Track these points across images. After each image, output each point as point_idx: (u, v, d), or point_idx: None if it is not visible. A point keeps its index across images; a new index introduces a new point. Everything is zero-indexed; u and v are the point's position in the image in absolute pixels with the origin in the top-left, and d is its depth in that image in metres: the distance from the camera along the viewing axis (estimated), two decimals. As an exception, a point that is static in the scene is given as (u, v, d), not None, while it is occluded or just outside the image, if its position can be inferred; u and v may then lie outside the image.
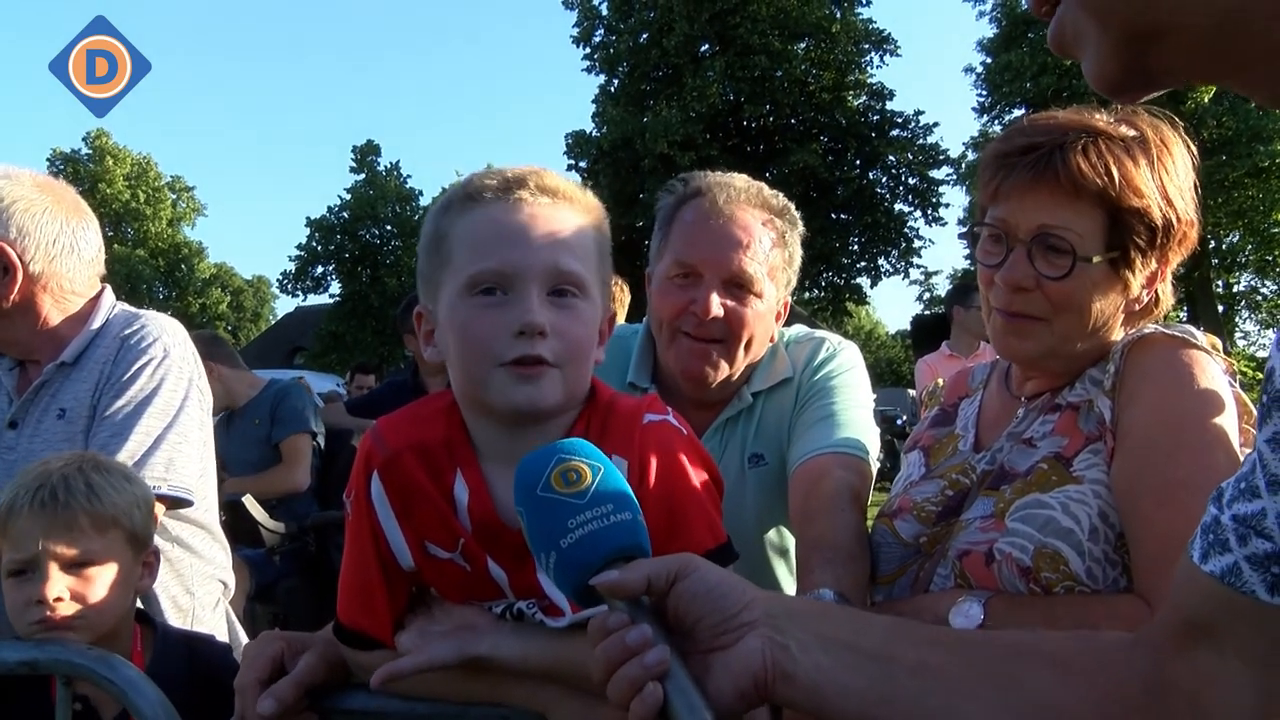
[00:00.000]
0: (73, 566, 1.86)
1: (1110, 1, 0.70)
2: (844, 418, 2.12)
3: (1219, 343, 1.67)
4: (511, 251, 1.34)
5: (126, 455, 2.34)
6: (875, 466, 2.09)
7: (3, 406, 2.51)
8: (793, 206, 2.28)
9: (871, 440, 2.12)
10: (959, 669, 1.06)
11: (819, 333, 2.36)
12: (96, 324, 2.52)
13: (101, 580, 1.89)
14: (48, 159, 51.16)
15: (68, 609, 1.84)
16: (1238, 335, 39.53)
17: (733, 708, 1.08)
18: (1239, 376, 1.66)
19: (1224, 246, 35.25)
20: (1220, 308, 35.63)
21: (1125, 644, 1.06)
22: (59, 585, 1.83)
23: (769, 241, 2.16)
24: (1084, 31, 0.73)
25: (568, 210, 1.40)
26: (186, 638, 2.13)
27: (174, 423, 2.46)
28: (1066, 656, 1.06)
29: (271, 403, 5.27)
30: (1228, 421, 1.55)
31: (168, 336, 2.55)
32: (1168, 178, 1.64)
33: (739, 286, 2.13)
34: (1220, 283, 36.67)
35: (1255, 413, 1.64)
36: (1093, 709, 1.02)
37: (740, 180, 2.22)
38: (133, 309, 2.62)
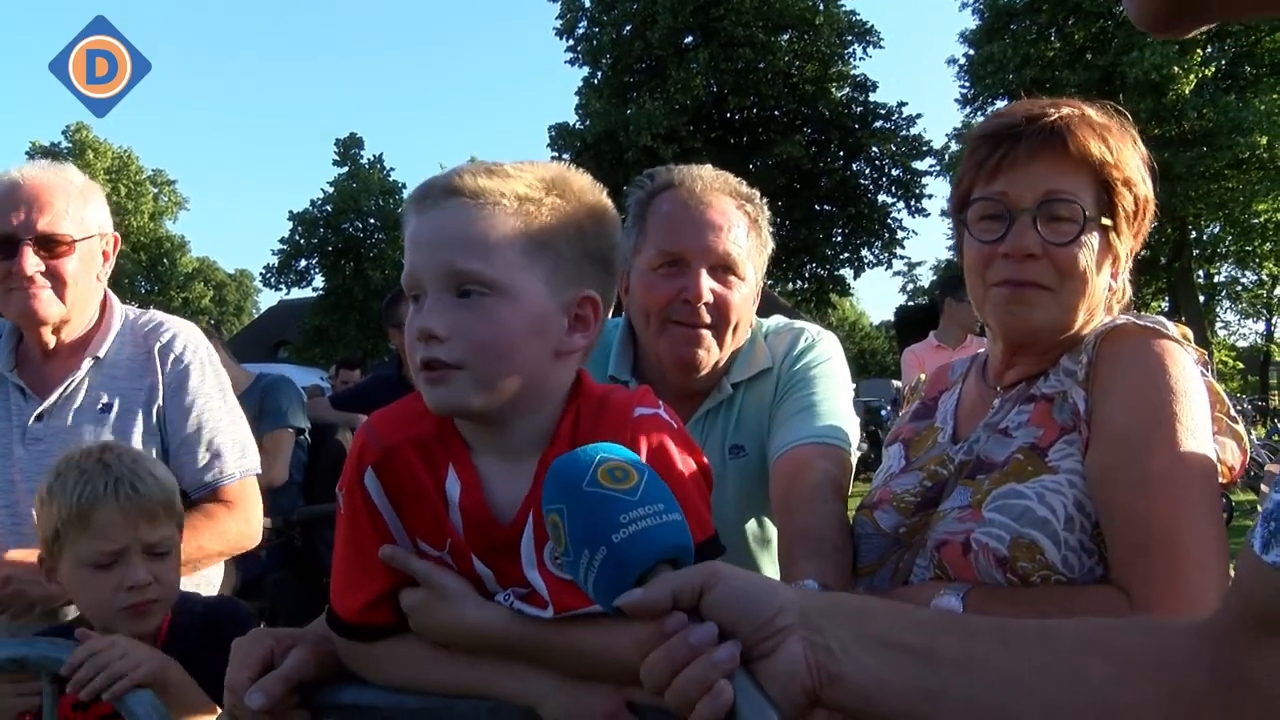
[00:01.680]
0: (152, 553, 2.02)
1: None
2: (824, 408, 2.14)
3: (1190, 333, 1.70)
4: (414, 258, 1.38)
5: (239, 448, 2.69)
6: (856, 456, 2.12)
7: (19, 401, 2.55)
8: (758, 194, 2.33)
9: (852, 430, 2.14)
10: (1011, 663, 0.99)
11: (798, 323, 2.39)
12: (118, 321, 2.64)
13: (171, 562, 2.07)
14: (27, 152, 50.87)
15: (152, 593, 1.99)
16: (1218, 325, 39.84)
17: (786, 717, 1.02)
18: (1219, 366, 1.70)
19: (1205, 238, 35.46)
20: (1201, 298, 35.82)
21: (1189, 636, 0.97)
22: (144, 571, 1.98)
23: (744, 225, 2.21)
24: None
25: (474, 208, 1.37)
26: (205, 606, 2.21)
27: (241, 412, 2.80)
28: (1128, 649, 0.98)
29: (258, 398, 5.26)
30: (1200, 411, 1.57)
31: (198, 336, 2.75)
32: (1136, 159, 1.72)
33: (725, 270, 2.16)
34: (1201, 273, 36.89)
35: (1228, 401, 1.69)
36: (1157, 707, 0.94)
37: (708, 170, 2.27)
38: (137, 308, 2.77)
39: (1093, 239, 1.67)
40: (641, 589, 1.05)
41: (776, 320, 2.40)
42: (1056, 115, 1.68)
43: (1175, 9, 0.69)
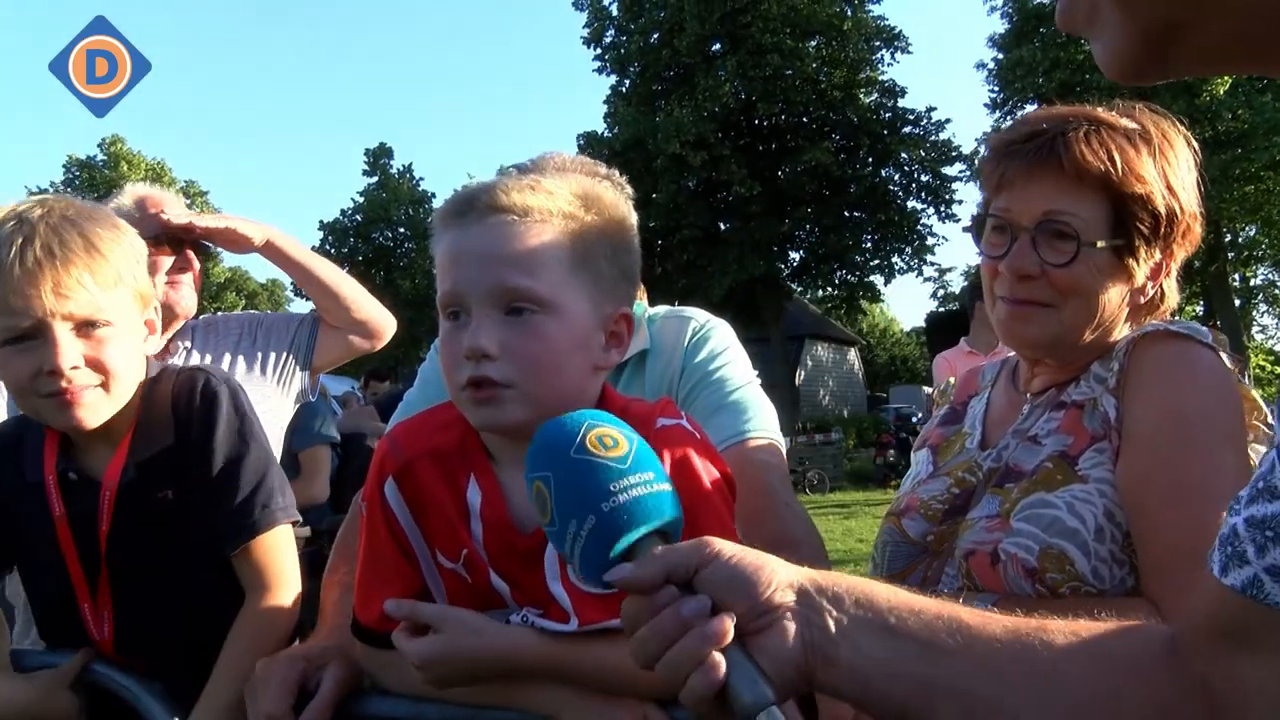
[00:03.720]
0: (83, 328, 1.66)
1: None
2: (743, 400, 2.07)
3: (1225, 339, 1.67)
4: (458, 274, 1.37)
5: None
6: (783, 444, 2.07)
7: None
8: (617, 173, 2.23)
9: (772, 415, 2.08)
10: (1008, 659, 0.99)
11: (686, 310, 2.28)
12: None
13: (115, 342, 1.69)
14: (64, 165, 51.41)
15: (86, 377, 1.66)
16: (1255, 329, 39.31)
17: (777, 696, 1.00)
18: (1256, 371, 1.66)
19: (1240, 240, 35.06)
20: (1237, 301, 35.40)
21: (1167, 643, 1.00)
22: (72, 351, 1.63)
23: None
24: (1101, 13, 0.68)
25: (522, 225, 1.37)
26: (179, 389, 1.83)
27: None
28: (1116, 654, 1.00)
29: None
30: (1234, 419, 1.54)
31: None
32: (1170, 169, 1.66)
33: None
34: (1237, 276, 36.46)
35: (1265, 409, 1.65)
36: (1140, 711, 0.97)
37: (565, 156, 2.23)
38: None
39: (1096, 258, 1.63)
40: (632, 564, 1.02)
41: (662, 308, 2.30)
42: (1059, 130, 1.64)
43: (1142, 63, 0.68)
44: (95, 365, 1.66)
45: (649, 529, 1.05)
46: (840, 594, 1.04)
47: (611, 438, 1.08)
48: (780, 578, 1.03)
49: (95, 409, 1.69)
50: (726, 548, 1.04)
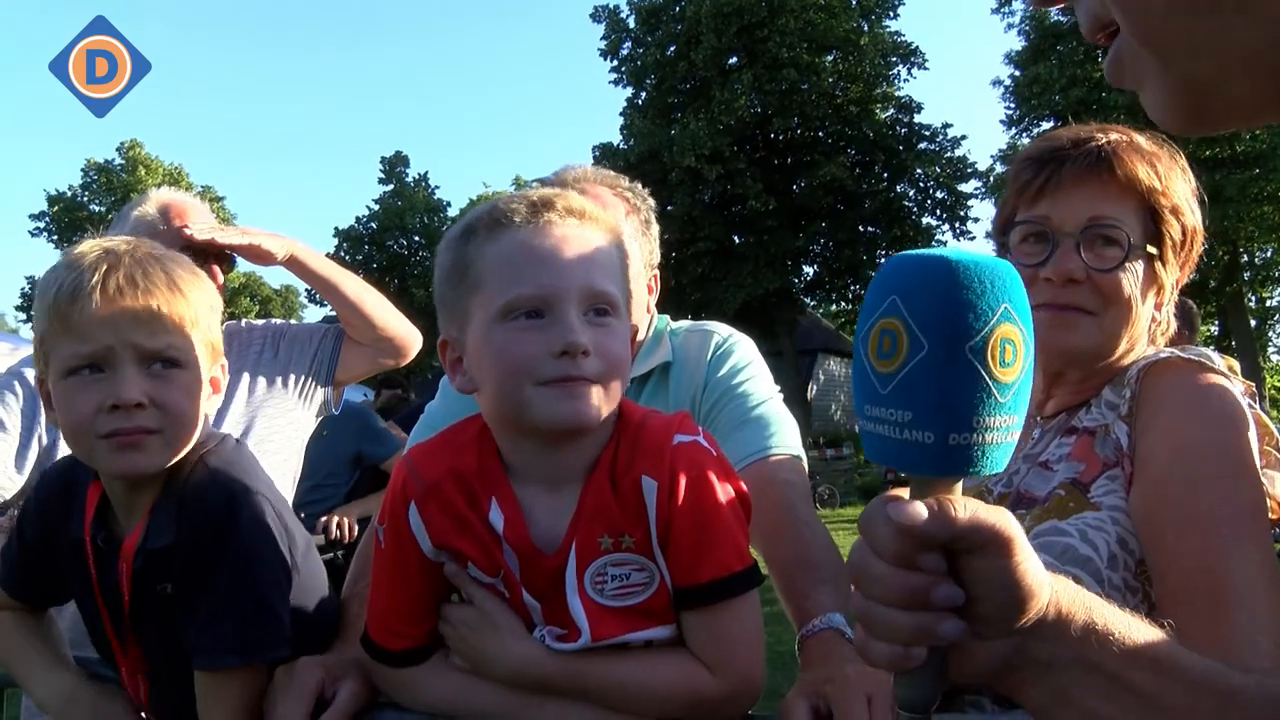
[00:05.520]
0: (153, 365, 1.58)
1: (1175, 46, 0.66)
2: (766, 416, 2.07)
3: (1236, 365, 1.68)
4: (547, 274, 1.37)
5: None
6: (805, 460, 2.08)
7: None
8: (640, 185, 2.27)
9: (794, 431, 2.09)
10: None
11: (708, 324, 2.29)
12: None
13: (182, 385, 1.60)
14: (82, 169, 51.65)
15: (148, 419, 1.55)
16: (1271, 350, 39.03)
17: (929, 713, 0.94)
18: (1271, 392, 1.67)
19: (1257, 261, 34.85)
20: (1253, 322, 35.17)
21: None
22: (139, 386, 1.54)
23: (622, 210, 2.15)
24: (1145, 68, 0.69)
25: (594, 230, 1.43)
26: (213, 490, 1.65)
27: None
28: None
29: (356, 425, 5.55)
30: (1247, 446, 1.54)
31: None
32: (1187, 188, 1.71)
33: None
34: (1253, 297, 36.22)
35: (1278, 435, 1.65)
36: None
37: (589, 169, 2.28)
38: None
39: (1137, 266, 1.66)
40: (934, 509, 0.88)
41: (685, 322, 2.32)
42: (1104, 140, 1.68)
43: (1188, 114, 0.69)
44: (160, 407, 1.57)
45: (970, 479, 0.92)
46: (1080, 634, 0.94)
47: (1014, 349, 0.88)
48: (1042, 617, 0.93)
49: (151, 456, 1.58)
50: (1020, 553, 0.90)
